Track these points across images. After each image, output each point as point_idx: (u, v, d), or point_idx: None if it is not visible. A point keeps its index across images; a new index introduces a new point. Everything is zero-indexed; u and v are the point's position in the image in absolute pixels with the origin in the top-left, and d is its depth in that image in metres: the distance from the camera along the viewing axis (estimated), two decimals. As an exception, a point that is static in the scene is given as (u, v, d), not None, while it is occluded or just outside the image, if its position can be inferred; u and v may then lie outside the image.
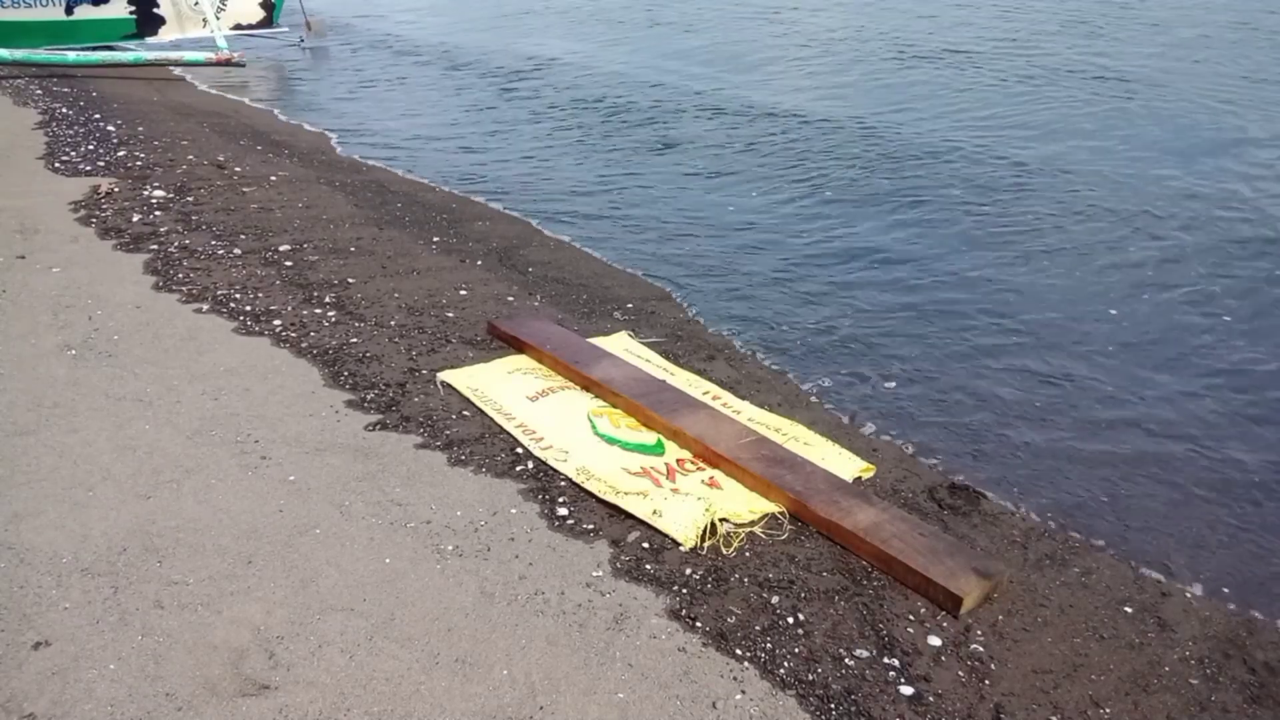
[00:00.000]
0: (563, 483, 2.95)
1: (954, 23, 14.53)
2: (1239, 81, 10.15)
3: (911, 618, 2.44)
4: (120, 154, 6.55)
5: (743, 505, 2.85)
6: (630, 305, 4.59)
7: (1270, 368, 4.25)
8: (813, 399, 3.73)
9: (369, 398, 3.42)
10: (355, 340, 3.90)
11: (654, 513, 2.75)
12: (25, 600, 2.28)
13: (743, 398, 3.63)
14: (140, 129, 7.40)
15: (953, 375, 4.07)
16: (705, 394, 3.60)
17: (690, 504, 2.80)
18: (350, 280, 4.57)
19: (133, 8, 11.21)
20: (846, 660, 2.27)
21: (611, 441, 3.20)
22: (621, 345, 4.03)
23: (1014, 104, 9.53)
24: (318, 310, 4.18)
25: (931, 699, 2.17)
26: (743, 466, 2.97)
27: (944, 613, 2.46)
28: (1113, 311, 4.84)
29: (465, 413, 3.36)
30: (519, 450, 3.13)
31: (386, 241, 5.22)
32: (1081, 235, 6.04)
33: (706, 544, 2.66)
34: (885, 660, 2.28)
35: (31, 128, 7.24)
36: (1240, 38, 12.65)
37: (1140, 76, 10.43)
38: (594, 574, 2.52)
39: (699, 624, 2.35)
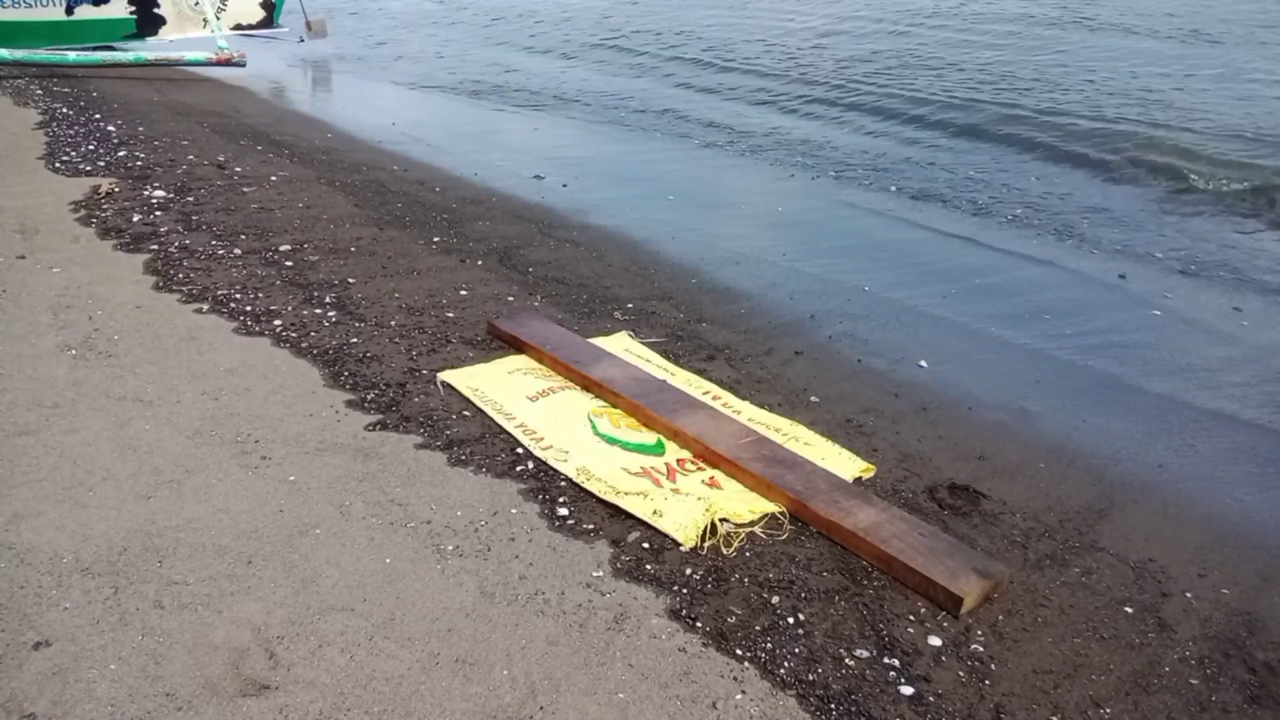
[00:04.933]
0: (563, 483, 2.95)
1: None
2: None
3: (911, 618, 2.44)
4: (120, 154, 6.55)
5: (743, 505, 2.85)
6: (630, 305, 4.59)
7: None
8: (813, 399, 3.73)
9: (369, 398, 3.42)
10: (355, 340, 3.90)
11: (654, 513, 2.75)
12: (25, 600, 2.28)
13: (743, 398, 3.63)
14: (140, 129, 7.40)
15: (954, 376, 4.07)
16: (705, 394, 3.60)
17: (690, 504, 2.80)
18: (350, 280, 4.57)
19: (133, 8, 11.19)
20: (846, 660, 2.27)
21: (612, 441, 3.20)
22: (621, 345, 4.03)
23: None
24: (318, 310, 4.18)
25: (931, 699, 2.17)
26: (743, 466, 2.97)
27: (944, 613, 2.46)
28: (1121, 310, 4.85)
29: (465, 413, 3.36)
30: (519, 450, 3.13)
31: (387, 241, 5.22)
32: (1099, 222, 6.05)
33: (707, 544, 2.66)
34: (885, 660, 2.28)
35: (32, 128, 7.24)
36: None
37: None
38: (594, 574, 2.52)
39: (699, 624, 2.35)
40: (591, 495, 2.87)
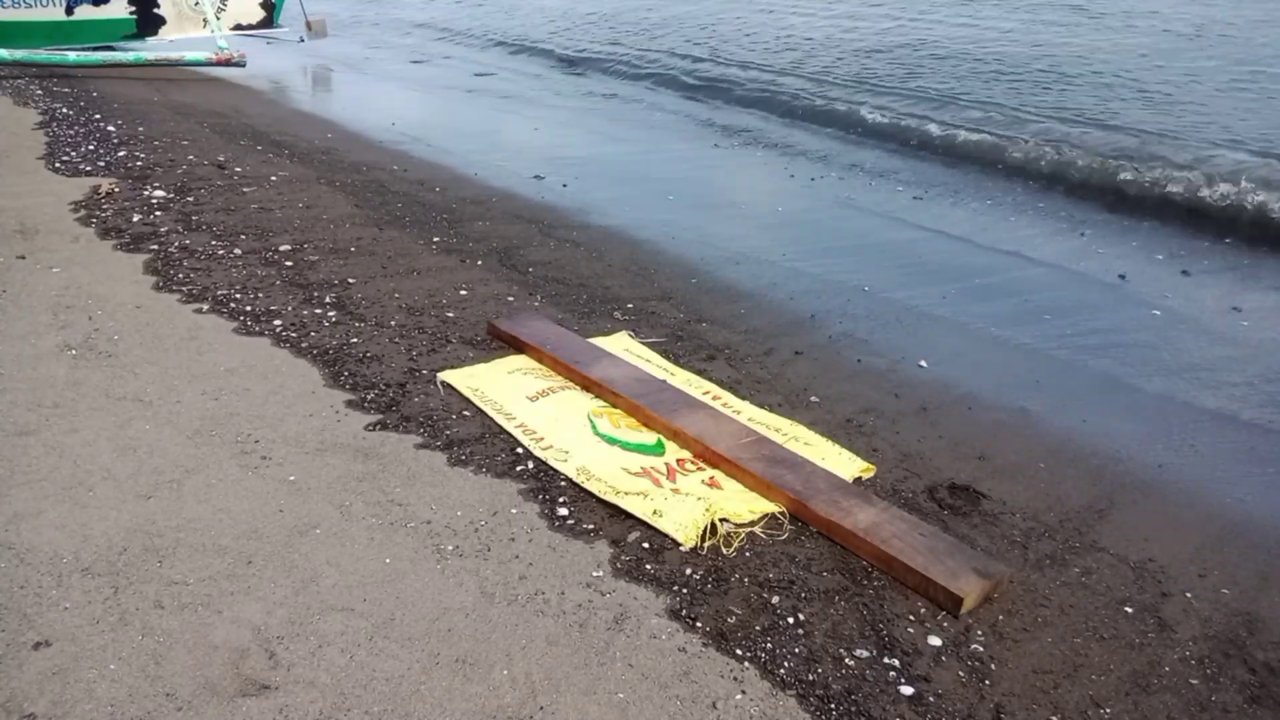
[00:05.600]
0: (563, 483, 2.95)
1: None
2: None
3: (911, 618, 2.44)
4: (120, 154, 6.55)
5: (743, 505, 2.85)
6: (630, 305, 4.59)
7: None
8: (813, 399, 3.73)
9: (369, 398, 3.42)
10: (355, 340, 3.90)
11: (654, 513, 2.75)
12: (25, 600, 2.28)
13: (743, 398, 3.63)
14: (140, 129, 7.40)
15: (954, 376, 4.07)
16: (705, 394, 3.60)
17: (690, 504, 2.80)
18: (350, 280, 4.57)
19: (133, 8, 11.20)
20: (846, 660, 2.27)
21: (612, 441, 3.20)
22: (621, 345, 4.03)
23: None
24: (318, 310, 4.18)
25: (931, 699, 2.17)
26: (743, 466, 2.97)
27: (944, 613, 2.46)
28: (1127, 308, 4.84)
29: (465, 413, 3.36)
30: (519, 450, 3.13)
31: (387, 241, 5.22)
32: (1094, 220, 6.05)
33: (706, 544, 2.66)
34: (885, 660, 2.28)
35: (32, 128, 7.24)
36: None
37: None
38: (594, 574, 2.52)
39: (699, 624, 2.35)
40: (591, 495, 2.87)
